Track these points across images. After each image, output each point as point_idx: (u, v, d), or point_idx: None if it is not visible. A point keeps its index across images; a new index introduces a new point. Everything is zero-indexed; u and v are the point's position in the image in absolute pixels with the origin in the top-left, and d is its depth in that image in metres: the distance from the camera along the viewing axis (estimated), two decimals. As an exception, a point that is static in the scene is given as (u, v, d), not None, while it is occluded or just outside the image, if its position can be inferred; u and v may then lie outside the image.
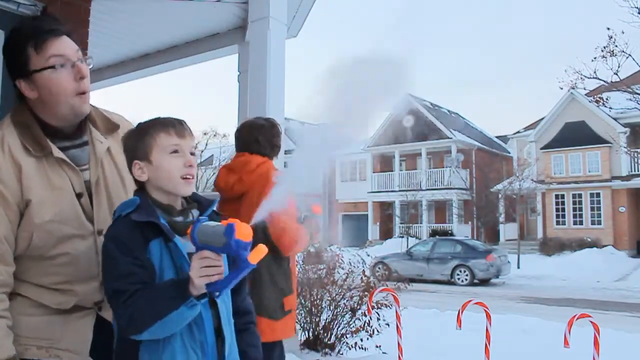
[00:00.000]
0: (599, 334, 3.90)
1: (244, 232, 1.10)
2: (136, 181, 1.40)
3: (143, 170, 1.36)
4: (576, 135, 23.31)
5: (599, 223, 22.66)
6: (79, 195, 1.43)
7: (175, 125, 1.37)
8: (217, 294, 1.18)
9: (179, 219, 1.37)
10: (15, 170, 1.35)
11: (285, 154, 4.24)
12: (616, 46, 13.26)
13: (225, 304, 1.37)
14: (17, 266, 1.36)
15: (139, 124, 1.42)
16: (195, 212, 1.42)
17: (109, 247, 1.29)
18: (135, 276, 1.24)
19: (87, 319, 1.45)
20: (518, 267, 18.65)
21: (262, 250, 1.12)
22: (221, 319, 1.35)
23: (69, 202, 1.41)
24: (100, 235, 1.41)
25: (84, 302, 1.44)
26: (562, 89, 16.77)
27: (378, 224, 28.96)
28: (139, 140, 1.37)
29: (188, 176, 1.35)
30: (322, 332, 4.69)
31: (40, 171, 1.38)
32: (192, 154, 1.39)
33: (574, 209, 23.38)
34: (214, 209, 1.46)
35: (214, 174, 33.05)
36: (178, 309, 1.17)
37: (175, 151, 1.35)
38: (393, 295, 4.60)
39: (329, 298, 4.79)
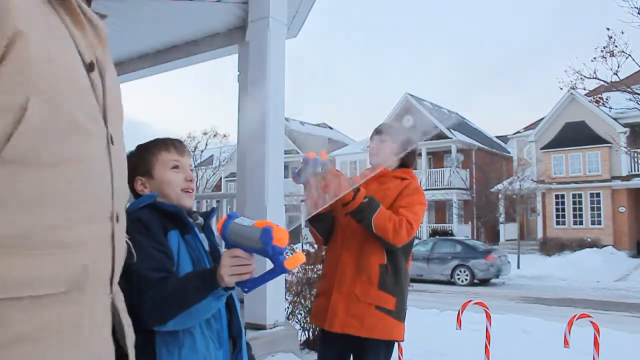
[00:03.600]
0: (599, 334, 3.90)
1: (281, 237, 1.09)
2: (137, 195, 1.48)
3: (145, 185, 1.46)
4: (576, 135, 23.32)
5: (599, 223, 22.66)
6: (89, 67, 0.90)
7: (175, 144, 1.50)
8: (247, 290, 1.19)
9: (190, 220, 1.45)
10: None
11: (285, 153, 4.26)
12: (616, 46, 13.26)
13: (232, 294, 1.42)
14: None
15: (139, 145, 1.52)
16: (200, 219, 1.50)
17: (131, 229, 1.13)
18: (157, 261, 1.26)
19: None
20: (518, 267, 18.64)
21: (300, 258, 1.12)
22: (232, 309, 1.42)
23: (78, 70, 0.85)
24: (112, 142, 0.89)
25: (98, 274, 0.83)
26: (562, 89, 16.78)
27: (378, 224, 28.91)
28: (141, 157, 1.47)
29: (189, 190, 1.46)
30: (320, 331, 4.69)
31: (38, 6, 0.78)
32: (192, 170, 1.51)
33: (574, 209, 23.39)
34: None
35: (213, 174, 33.11)
36: (205, 299, 1.18)
37: (176, 167, 1.47)
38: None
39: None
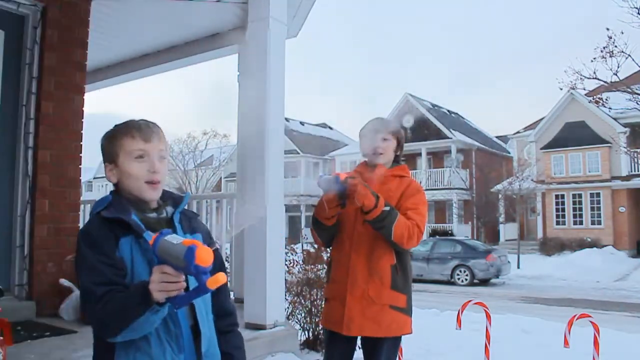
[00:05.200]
0: (599, 334, 3.90)
1: (203, 257, 1.09)
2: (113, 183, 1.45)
3: (113, 172, 1.40)
4: (576, 135, 23.32)
5: (599, 223, 22.67)
6: None
7: (141, 129, 1.37)
8: (177, 306, 1.19)
9: (153, 215, 1.40)
10: None
11: (285, 153, 4.26)
12: (616, 46, 13.25)
13: (202, 299, 1.38)
14: None
15: (107, 130, 1.44)
16: (169, 209, 1.44)
17: (80, 244, 1.30)
18: (102, 275, 1.24)
19: None
20: (518, 267, 18.64)
21: (221, 278, 1.11)
22: (197, 313, 1.38)
23: None
24: None
25: None
26: (562, 89, 16.76)
27: (378, 224, 28.90)
28: (109, 143, 1.40)
29: (153, 181, 1.37)
30: (322, 332, 4.69)
31: None
32: (161, 157, 1.39)
33: (574, 209, 23.39)
34: (186, 207, 1.49)
35: (213, 174, 33.09)
36: (143, 315, 1.17)
37: (140, 156, 1.36)
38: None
39: (329, 298, 4.78)
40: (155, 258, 1.18)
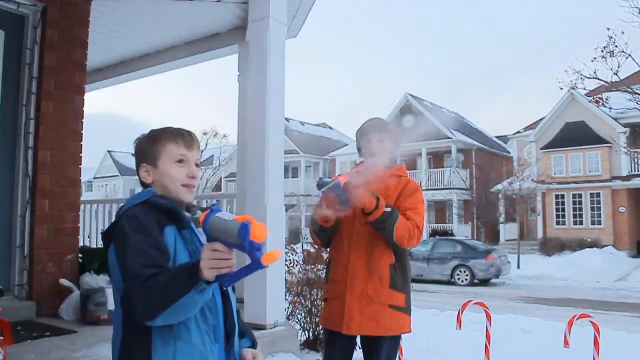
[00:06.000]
0: (599, 334, 3.90)
1: (258, 233, 1.09)
2: (142, 182, 1.48)
3: (149, 173, 1.46)
4: (576, 135, 23.31)
5: (599, 223, 22.66)
6: None
7: (184, 137, 1.47)
8: (226, 284, 1.19)
9: (187, 214, 1.45)
10: None
11: (285, 153, 4.26)
12: (616, 46, 13.26)
13: (233, 292, 1.45)
14: None
15: (152, 130, 1.51)
16: (199, 212, 1.46)
17: (124, 228, 1.31)
18: (150, 257, 1.26)
19: None
20: (518, 267, 18.63)
21: (276, 254, 1.11)
22: (228, 312, 1.42)
23: None
24: None
25: None
26: (562, 89, 16.77)
27: (378, 224, 28.90)
28: (150, 145, 1.46)
29: (190, 185, 1.45)
30: (322, 332, 4.69)
31: None
32: (197, 165, 1.49)
33: (574, 209, 23.38)
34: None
35: (213, 174, 33.10)
36: (189, 293, 1.17)
37: (181, 160, 1.45)
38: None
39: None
40: (205, 236, 1.19)
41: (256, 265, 1.11)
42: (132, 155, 1.53)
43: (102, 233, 1.44)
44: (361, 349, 2.42)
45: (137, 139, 1.52)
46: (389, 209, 2.19)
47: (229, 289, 1.43)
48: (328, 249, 2.52)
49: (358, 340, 2.44)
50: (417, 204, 2.34)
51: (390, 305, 2.28)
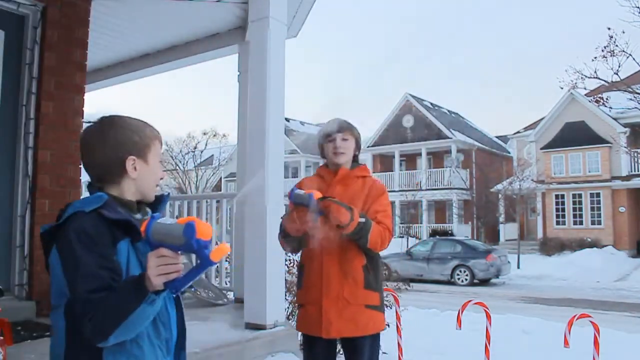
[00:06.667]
0: (599, 334, 3.90)
1: (204, 230, 1.08)
2: (95, 179, 1.36)
3: (135, 167, 1.34)
4: (576, 135, 23.32)
5: (599, 223, 22.66)
6: None
7: (161, 140, 1.46)
8: (175, 290, 1.16)
9: (138, 216, 1.38)
10: None
11: (285, 153, 4.26)
12: (616, 46, 13.27)
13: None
14: None
15: (145, 123, 1.43)
16: (148, 210, 1.44)
17: (73, 244, 1.20)
18: (100, 281, 1.18)
19: None
20: (518, 267, 18.65)
21: (225, 248, 1.10)
22: (178, 312, 1.38)
23: None
24: None
25: None
26: (562, 88, 16.80)
27: (378, 224, 28.92)
28: (140, 137, 1.36)
29: (158, 185, 1.44)
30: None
31: None
32: None
33: (574, 209, 23.39)
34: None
35: (213, 174, 33.07)
36: (139, 307, 1.13)
37: (160, 161, 1.45)
38: (393, 296, 4.60)
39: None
40: (149, 245, 1.15)
41: (205, 262, 1.09)
42: (101, 142, 1.35)
43: (41, 234, 1.31)
44: (343, 354, 2.43)
45: (123, 124, 1.36)
46: (363, 220, 2.20)
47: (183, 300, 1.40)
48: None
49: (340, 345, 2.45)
50: (387, 207, 2.38)
51: (367, 305, 2.30)
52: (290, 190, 2.18)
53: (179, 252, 1.12)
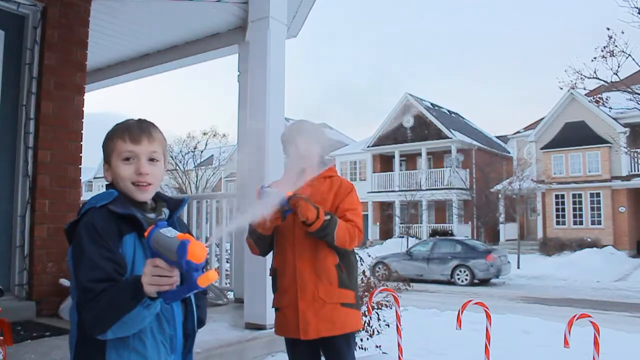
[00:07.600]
0: (599, 334, 3.90)
1: (196, 253, 1.05)
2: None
3: (108, 172, 1.41)
4: (576, 135, 23.32)
5: (599, 223, 22.67)
6: None
7: (131, 131, 1.37)
8: (167, 302, 1.15)
9: (152, 215, 1.40)
10: None
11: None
12: (616, 46, 13.28)
13: (195, 301, 1.42)
14: None
15: (116, 125, 1.45)
16: (166, 211, 1.44)
17: (81, 237, 1.26)
18: (103, 272, 1.21)
19: None
20: (518, 267, 18.64)
21: (212, 276, 1.08)
22: (188, 315, 1.39)
23: None
24: None
25: None
26: (562, 89, 16.79)
27: (378, 224, 28.97)
28: (105, 144, 1.41)
29: (139, 183, 1.36)
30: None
31: None
32: (153, 159, 1.39)
33: (574, 209, 23.39)
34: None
35: (213, 174, 33.08)
36: (134, 309, 1.14)
37: (127, 158, 1.36)
38: (393, 296, 4.59)
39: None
40: (149, 251, 1.16)
41: (191, 286, 1.07)
42: None
43: (65, 230, 1.37)
44: (323, 354, 2.45)
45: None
46: (328, 217, 2.22)
47: (192, 300, 1.40)
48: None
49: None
50: (356, 205, 2.38)
51: (343, 303, 2.32)
52: (259, 187, 2.17)
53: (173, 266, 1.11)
